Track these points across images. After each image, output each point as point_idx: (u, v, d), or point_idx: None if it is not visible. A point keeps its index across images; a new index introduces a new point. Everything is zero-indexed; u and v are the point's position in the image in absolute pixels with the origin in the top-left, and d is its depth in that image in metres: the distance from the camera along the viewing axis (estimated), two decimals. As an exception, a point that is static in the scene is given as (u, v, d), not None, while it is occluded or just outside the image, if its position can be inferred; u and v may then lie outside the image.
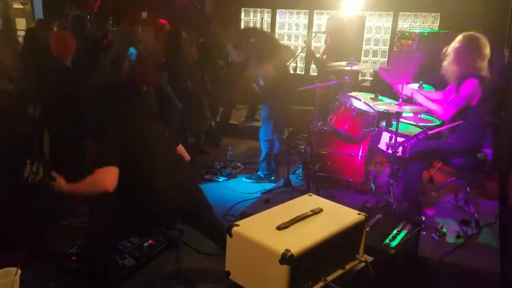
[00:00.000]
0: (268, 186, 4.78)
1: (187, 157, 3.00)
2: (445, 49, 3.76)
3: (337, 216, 1.97)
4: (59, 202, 3.85)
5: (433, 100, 3.78)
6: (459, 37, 3.68)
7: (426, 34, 5.87)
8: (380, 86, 5.51)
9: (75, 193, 2.52)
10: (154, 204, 2.55)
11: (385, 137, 4.20)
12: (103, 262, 2.67)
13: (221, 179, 5.08)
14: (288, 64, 5.09)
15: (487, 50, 3.61)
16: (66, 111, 3.62)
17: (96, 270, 2.71)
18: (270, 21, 8.83)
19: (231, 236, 1.83)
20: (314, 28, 8.35)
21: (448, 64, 3.71)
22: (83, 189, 2.46)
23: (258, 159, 5.08)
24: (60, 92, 3.57)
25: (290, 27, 8.69)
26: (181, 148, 3.03)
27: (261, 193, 4.56)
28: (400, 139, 3.86)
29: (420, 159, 3.87)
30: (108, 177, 2.34)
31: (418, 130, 4.16)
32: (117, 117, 2.50)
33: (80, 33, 4.99)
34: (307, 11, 8.50)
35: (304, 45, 7.22)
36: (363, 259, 1.98)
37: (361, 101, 4.45)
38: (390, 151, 3.88)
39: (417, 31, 5.96)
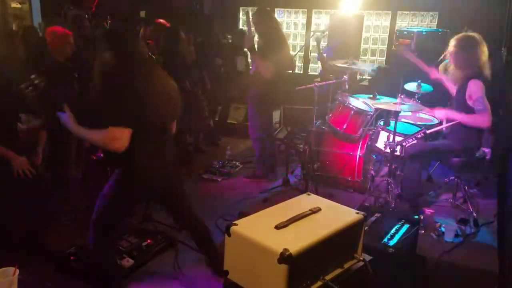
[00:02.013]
0: (267, 185, 4.77)
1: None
2: (443, 55, 3.77)
3: (335, 215, 1.98)
4: (59, 201, 3.86)
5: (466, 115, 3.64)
6: (453, 41, 3.68)
7: (424, 33, 5.87)
8: (379, 85, 5.52)
9: (81, 137, 2.59)
10: (147, 176, 2.65)
11: (383, 136, 4.20)
12: (105, 254, 2.74)
13: (220, 178, 5.08)
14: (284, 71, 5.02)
15: (484, 47, 3.61)
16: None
17: (99, 264, 2.73)
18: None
19: (229, 235, 1.83)
20: (313, 27, 8.35)
21: (451, 70, 3.73)
22: (94, 138, 2.55)
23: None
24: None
25: (288, 26, 8.68)
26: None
27: (260, 193, 4.56)
28: (398, 138, 3.87)
29: (419, 158, 3.87)
30: (123, 137, 2.43)
31: (417, 129, 4.17)
32: (134, 85, 2.55)
33: (80, 32, 4.99)
34: (306, 10, 8.50)
35: (303, 44, 7.24)
36: (362, 258, 1.98)
37: (360, 100, 4.46)
38: (388, 150, 3.88)
39: (415, 30, 5.96)
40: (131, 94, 2.47)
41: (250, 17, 4.74)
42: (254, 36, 4.63)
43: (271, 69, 4.49)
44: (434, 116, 3.74)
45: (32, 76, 3.54)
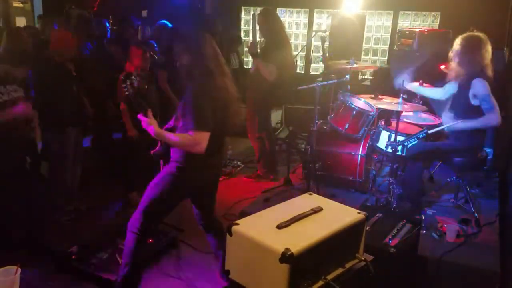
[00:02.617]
0: (268, 185, 4.77)
1: None
2: (450, 53, 3.76)
3: (337, 215, 1.97)
4: (59, 200, 3.86)
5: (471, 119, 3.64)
6: (459, 40, 3.67)
7: (426, 33, 5.86)
8: (381, 85, 5.52)
9: (163, 139, 2.65)
10: (203, 172, 2.78)
11: (385, 136, 4.20)
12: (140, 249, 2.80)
13: (221, 178, 5.07)
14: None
15: (489, 47, 3.61)
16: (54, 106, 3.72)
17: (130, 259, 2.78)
18: (270, 20, 8.78)
19: (231, 235, 1.83)
20: (314, 27, 8.34)
21: (454, 67, 3.72)
22: (176, 142, 2.61)
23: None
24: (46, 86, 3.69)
25: (290, 26, 8.67)
26: None
27: (261, 192, 4.55)
28: (400, 138, 3.86)
29: (420, 158, 3.86)
30: (204, 141, 2.54)
31: (419, 129, 4.16)
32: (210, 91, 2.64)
33: (85, 32, 5.01)
34: (307, 10, 8.50)
35: (305, 44, 7.24)
36: (363, 258, 1.98)
37: (361, 100, 4.46)
38: (390, 150, 3.88)
39: (417, 30, 5.95)
40: (211, 100, 2.57)
41: (255, 17, 4.73)
42: (258, 41, 4.62)
43: (274, 71, 4.48)
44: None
45: (132, 77, 3.69)
